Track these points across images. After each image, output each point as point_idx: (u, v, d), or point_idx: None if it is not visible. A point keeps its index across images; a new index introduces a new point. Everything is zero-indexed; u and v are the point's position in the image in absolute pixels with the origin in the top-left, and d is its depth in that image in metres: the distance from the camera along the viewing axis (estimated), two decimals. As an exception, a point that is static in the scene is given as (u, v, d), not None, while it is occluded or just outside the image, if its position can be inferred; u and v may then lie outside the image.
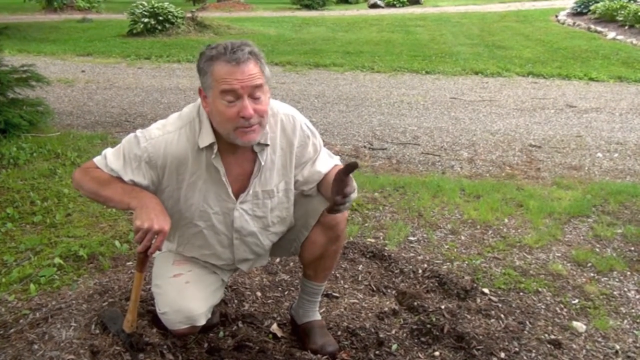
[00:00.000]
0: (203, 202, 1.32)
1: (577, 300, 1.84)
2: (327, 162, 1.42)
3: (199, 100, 1.32)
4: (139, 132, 1.30)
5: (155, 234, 1.18)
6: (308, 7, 15.17)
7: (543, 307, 1.80)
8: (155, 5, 9.42)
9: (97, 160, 1.32)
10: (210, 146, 1.28)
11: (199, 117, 1.29)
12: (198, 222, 1.35)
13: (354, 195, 1.22)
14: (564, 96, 5.40)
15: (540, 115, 4.65)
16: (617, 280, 2.00)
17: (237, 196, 1.35)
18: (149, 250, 1.21)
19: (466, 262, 2.07)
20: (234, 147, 1.29)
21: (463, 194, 2.80)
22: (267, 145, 1.32)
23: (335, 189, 1.20)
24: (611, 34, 8.98)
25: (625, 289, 1.94)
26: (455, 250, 2.18)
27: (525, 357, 1.53)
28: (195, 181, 1.30)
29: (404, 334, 1.61)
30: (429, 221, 2.45)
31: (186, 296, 1.36)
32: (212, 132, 1.27)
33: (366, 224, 2.40)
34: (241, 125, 1.21)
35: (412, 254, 2.12)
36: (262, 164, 1.32)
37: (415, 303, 1.75)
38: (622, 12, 9.34)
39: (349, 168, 1.18)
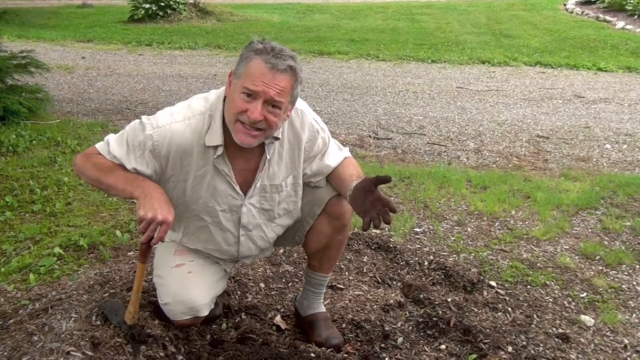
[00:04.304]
0: (211, 197, 1.30)
1: (585, 294, 1.82)
2: (337, 156, 1.39)
3: (211, 94, 1.29)
4: (145, 118, 1.26)
5: (159, 224, 1.16)
6: (312, -6, 14.90)
7: (551, 300, 1.77)
8: (157, -9, 9.29)
9: (100, 146, 1.28)
10: (216, 147, 1.25)
11: (211, 113, 1.26)
12: (205, 216, 1.33)
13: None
14: (572, 86, 5.32)
15: (548, 106, 4.58)
16: (626, 273, 1.97)
17: (245, 192, 1.32)
18: (152, 241, 1.19)
19: (473, 254, 2.04)
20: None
21: (470, 185, 2.76)
22: (278, 139, 1.29)
23: (367, 200, 1.17)
24: (620, 24, 8.81)
25: (635, 283, 1.91)
26: (461, 242, 2.15)
27: (533, 352, 1.50)
28: (203, 175, 1.28)
29: (410, 327, 1.59)
30: (435, 212, 2.41)
31: (189, 286, 1.34)
32: (222, 133, 1.24)
33: (371, 215, 2.36)
34: (242, 121, 1.18)
35: (418, 246, 2.09)
36: (268, 157, 1.30)
37: (422, 296, 1.73)
38: (632, 1, 9.16)
39: (381, 181, 1.16)
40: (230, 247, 1.39)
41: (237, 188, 1.30)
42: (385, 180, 1.17)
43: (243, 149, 1.26)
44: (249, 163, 1.30)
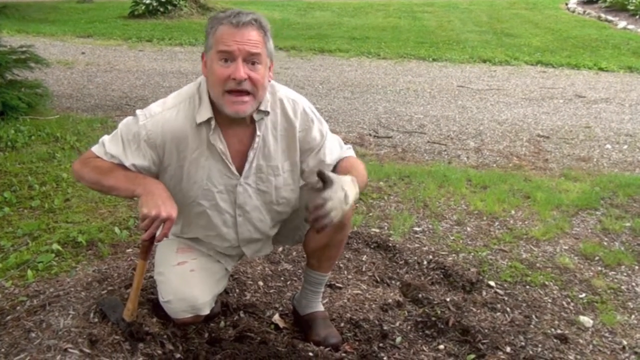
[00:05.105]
0: (207, 180, 1.29)
1: (584, 295, 1.81)
2: (334, 152, 1.37)
3: (198, 79, 1.29)
4: (138, 111, 1.28)
5: (163, 221, 1.16)
6: (312, -9, 14.84)
7: (550, 300, 1.77)
8: (157, -14, 9.25)
9: (95, 149, 1.29)
10: (208, 121, 1.25)
11: (199, 94, 1.26)
12: (202, 201, 1.32)
13: (333, 205, 1.12)
14: (573, 86, 5.31)
15: (549, 105, 4.57)
16: (625, 274, 1.97)
17: (239, 171, 1.32)
18: (156, 238, 1.18)
19: (472, 253, 2.04)
20: (232, 121, 1.25)
21: (469, 184, 2.76)
22: (267, 113, 1.28)
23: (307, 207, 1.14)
24: (622, 23, 8.80)
25: (634, 284, 1.91)
26: (461, 241, 2.15)
27: (531, 352, 1.50)
28: (197, 158, 1.27)
29: (409, 327, 1.59)
30: (434, 211, 2.41)
31: (191, 284, 1.34)
32: (210, 107, 1.24)
33: (371, 214, 2.36)
34: (231, 89, 1.18)
35: (417, 245, 2.09)
36: (259, 133, 1.28)
37: (420, 295, 1.73)
38: (633, 1, 9.14)
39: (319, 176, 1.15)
40: (229, 229, 1.37)
41: (232, 167, 1.29)
42: (319, 175, 1.17)
43: (234, 128, 1.25)
44: (242, 143, 1.29)
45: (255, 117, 1.27)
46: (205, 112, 1.23)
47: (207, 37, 1.22)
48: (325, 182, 1.17)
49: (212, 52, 1.19)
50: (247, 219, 1.37)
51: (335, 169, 1.34)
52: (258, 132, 1.28)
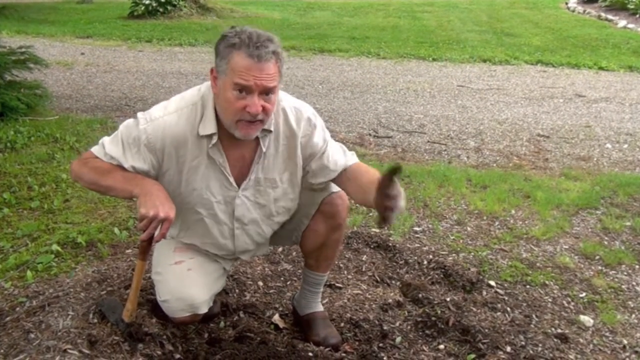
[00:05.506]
0: (205, 189, 1.30)
1: (584, 294, 1.81)
2: (338, 160, 1.36)
3: (204, 85, 1.29)
4: (139, 113, 1.27)
5: (161, 221, 1.16)
6: (312, -9, 14.84)
7: (550, 300, 1.77)
8: (157, -13, 9.25)
9: (95, 149, 1.29)
10: (210, 136, 1.24)
11: (202, 102, 1.26)
12: (200, 209, 1.32)
13: (402, 203, 1.12)
14: (573, 85, 5.31)
15: (549, 105, 4.57)
16: (625, 273, 1.97)
17: (239, 184, 1.31)
18: (154, 238, 1.18)
19: (472, 253, 2.04)
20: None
21: (469, 184, 2.76)
22: (270, 131, 1.28)
23: (381, 196, 1.11)
24: (622, 23, 8.80)
25: (634, 283, 1.91)
26: (461, 241, 2.14)
27: (531, 352, 1.50)
28: (197, 166, 1.27)
29: (409, 327, 1.59)
30: (434, 211, 2.40)
31: (188, 284, 1.34)
32: (215, 121, 1.23)
33: (371, 214, 2.35)
34: (244, 119, 1.18)
35: (417, 245, 2.08)
36: (264, 150, 1.29)
37: (420, 295, 1.72)
38: (633, 0, 9.13)
39: (393, 171, 1.10)
40: (226, 241, 1.38)
41: (231, 179, 1.30)
42: (397, 169, 1.11)
43: (237, 141, 1.25)
44: (242, 155, 1.30)
45: (259, 134, 1.26)
46: (210, 127, 1.23)
47: (221, 59, 1.17)
48: (393, 180, 1.12)
49: (227, 79, 1.17)
50: (244, 232, 1.38)
51: (351, 173, 1.34)
52: (263, 149, 1.29)
